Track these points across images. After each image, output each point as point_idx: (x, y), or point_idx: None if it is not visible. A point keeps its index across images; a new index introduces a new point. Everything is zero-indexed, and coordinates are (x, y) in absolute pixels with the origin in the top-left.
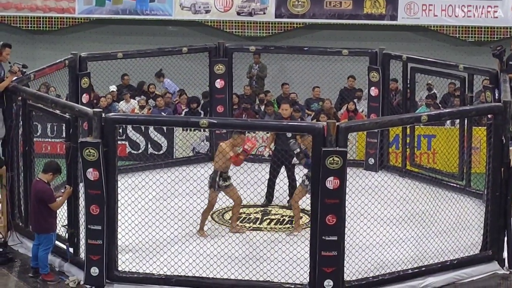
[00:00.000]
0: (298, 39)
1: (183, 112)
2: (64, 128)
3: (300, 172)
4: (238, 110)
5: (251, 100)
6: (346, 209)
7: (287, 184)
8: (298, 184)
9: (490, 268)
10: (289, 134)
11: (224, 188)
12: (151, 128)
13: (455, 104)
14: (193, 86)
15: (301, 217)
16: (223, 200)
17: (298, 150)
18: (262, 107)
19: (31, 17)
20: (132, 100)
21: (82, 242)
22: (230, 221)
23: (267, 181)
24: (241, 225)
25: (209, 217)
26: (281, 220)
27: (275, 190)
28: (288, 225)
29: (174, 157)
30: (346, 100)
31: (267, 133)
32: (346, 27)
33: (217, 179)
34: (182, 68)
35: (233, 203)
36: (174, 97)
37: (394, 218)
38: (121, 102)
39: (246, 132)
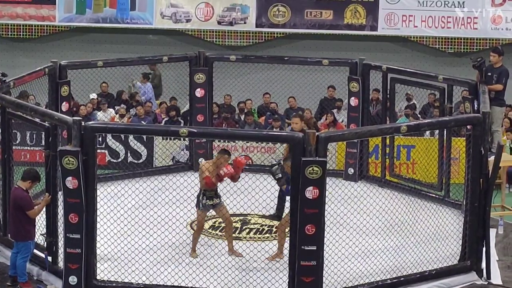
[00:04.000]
0: (278, 48)
1: (163, 121)
2: (43, 136)
3: None
4: (218, 119)
5: (231, 110)
6: (326, 219)
7: (270, 194)
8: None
9: (469, 279)
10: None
11: (212, 207)
12: (131, 137)
13: (435, 115)
14: (174, 96)
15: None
16: None
17: (280, 175)
18: (242, 117)
19: (11, 25)
20: (109, 109)
21: (61, 250)
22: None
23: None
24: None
25: (189, 226)
26: (260, 229)
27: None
28: (267, 235)
29: (153, 166)
30: (326, 110)
31: (247, 142)
32: (326, 37)
33: (201, 198)
34: (162, 77)
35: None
36: (154, 106)
37: (373, 228)
38: (99, 113)
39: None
